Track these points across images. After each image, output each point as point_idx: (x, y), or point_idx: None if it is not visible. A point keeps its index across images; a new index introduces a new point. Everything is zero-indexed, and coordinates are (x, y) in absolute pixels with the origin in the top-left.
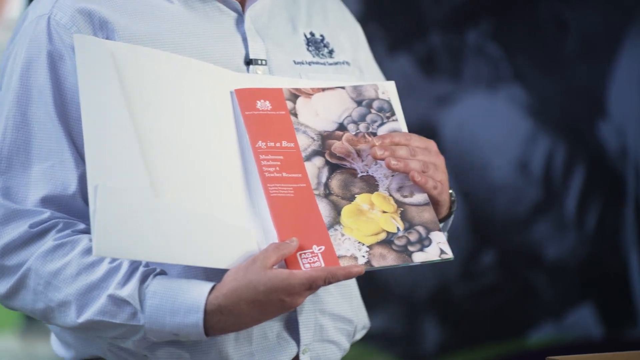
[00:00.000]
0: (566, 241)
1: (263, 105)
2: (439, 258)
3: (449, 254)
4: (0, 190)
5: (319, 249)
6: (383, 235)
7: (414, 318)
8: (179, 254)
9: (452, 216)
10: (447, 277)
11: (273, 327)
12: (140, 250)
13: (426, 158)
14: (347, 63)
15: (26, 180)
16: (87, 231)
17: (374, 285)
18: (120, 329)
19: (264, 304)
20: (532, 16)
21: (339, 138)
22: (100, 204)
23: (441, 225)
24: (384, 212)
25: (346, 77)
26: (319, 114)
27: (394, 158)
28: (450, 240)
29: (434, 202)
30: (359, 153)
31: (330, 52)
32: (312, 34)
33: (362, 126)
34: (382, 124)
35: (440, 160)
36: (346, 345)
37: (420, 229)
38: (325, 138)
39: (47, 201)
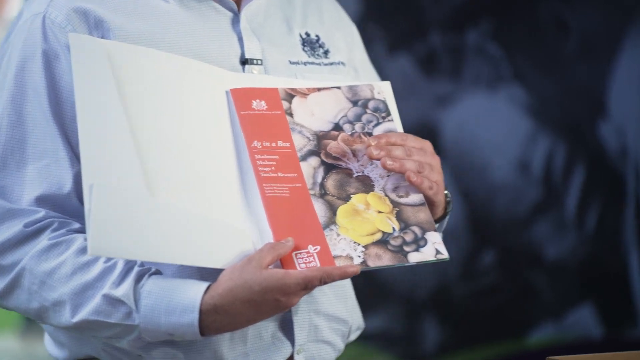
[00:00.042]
0: (566, 241)
1: (259, 105)
2: (435, 258)
3: (445, 254)
4: None
5: (315, 249)
6: (379, 236)
7: (414, 318)
8: (174, 254)
9: (448, 217)
10: (447, 277)
11: (268, 327)
12: (136, 249)
13: (422, 158)
14: (343, 63)
15: (21, 179)
16: (82, 230)
17: (374, 285)
18: (115, 329)
19: (259, 304)
20: (532, 16)
21: (335, 138)
22: (95, 203)
23: (436, 225)
24: (380, 212)
25: (341, 78)
26: (315, 114)
27: (390, 158)
28: (450, 240)
29: (429, 203)
30: (354, 153)
31: (326, 52)
32: (307, 34)
33: (357, 126)
34: (377, 124)
35: (435, 161)
36: (341, 345)
37: (416, 229)
38: (320, 138)
39: (42, 200)
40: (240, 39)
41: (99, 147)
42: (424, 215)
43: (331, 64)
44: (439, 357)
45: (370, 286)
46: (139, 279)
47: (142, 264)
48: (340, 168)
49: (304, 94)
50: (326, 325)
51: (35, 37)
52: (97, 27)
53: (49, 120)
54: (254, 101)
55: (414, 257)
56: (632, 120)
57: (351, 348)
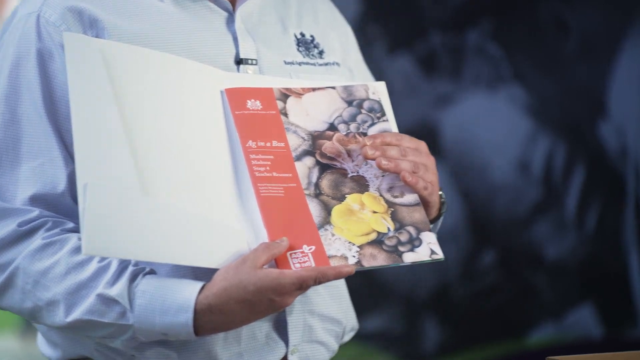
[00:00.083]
0: (566, 241)
1: (253, 104)
2: (430, 258)
3: (440, 255)
4: None
5: (309, 249)
6: (373, 236)
7: (414, 318)
8: (168, 253)
9: (442, 217)
10: (447, 277)
11: (262, 328)
12: (130, 249)
13: (417, 159)
14: (337, 64)
15: (15, 178)
16: (76, 230)
17: (374, 286)
18: (109, 329)
19: (253, 304)
20: (532, 16)
21: (330, 138)
22: (89, 202)
23: (431, 226)
24: (375, 212)
25: (336, 78)
26: (310, 114)
27: (385, 158)
28: (450, 240)
29: (424, 203)
30: (349, 153)
31: (321, 52)
32: (302, 35)
33: (352, 126)
34: (372, 124)
35: (430, 161)
36: (335, 346)
37: (411, 229)
38: (315, 138)
39: (36, 200)
40: (235, 39)
41: (93, 147)
42: (418, 215)
43: (326, 64)
44: (439, 357)
45: (370, 286)
46: (133, 278)
47: (136, 264)
48: (335, 168)
49: (299, 94)
50: (320, 326)
51: (29, 35)
52: (91, 26)
53: (43, 119)
54: (248, 101)
55: (409, 257)
56: (632, 120)
57: (351, 348)
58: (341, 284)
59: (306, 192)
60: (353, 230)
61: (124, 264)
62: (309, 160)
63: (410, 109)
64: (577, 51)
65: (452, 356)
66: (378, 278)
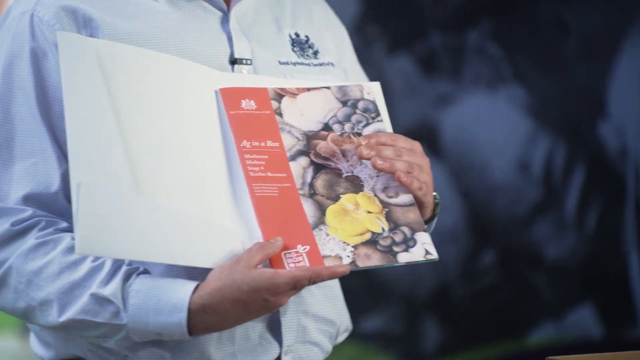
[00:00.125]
0: (566, 241)
1: (248, 104)
2: (424, 259)
3: (434, 255)
4: None
5: (304, 249)
6: (368, 236)
7: (414, 318)
8: (162, 253)
9: (436, 218)
10: (447, 277)
11: (255, 328)
12: (124, 248)
13: (411, 159)
14: (332, 64)
15: (8, 177)
16: (69, 230)
17: (374, 285)
18: (102, 328)
19: (248, 304)
20: (532, 16)
21: (324, 138)
22: (83, 202)
23: (425, 227)
24: (369, 212)
25: (331, 78)
26: (304, 114)
27: (380, 158)
28: (450, 240)
29: (418, 203)
30: (344, 153)
31: (315, 53)
32: (297, 35)
33: (347, 126)
34: (367, 124)
35: (425, 162)
36: (329, 347)
37: (405, 229)
38: (310, 138)
39: (29, 199)
40: (230, 39)
41: (87, 146)
42: (413, 215)
43: (320, 64)
44: (439, 357)
45: (370, 286)
46: (127, 278)
47: (130, 263)
48: (330, 168)
49: (294, 94)
50: (314, 327)
51: (23, 35)
52: (85, 25)
53: (37, 118)
54: (243, 101)
55: (403, 258)
56: (632, 120)
57: (351, 348)
58: (335, 285)
59: (300, 192)
60: (347, 230)
61: (117, 264)
62: (303, 160)
63: (410, 109)
64: (577, 51)
65: (452, 356)
66: (378, 278)
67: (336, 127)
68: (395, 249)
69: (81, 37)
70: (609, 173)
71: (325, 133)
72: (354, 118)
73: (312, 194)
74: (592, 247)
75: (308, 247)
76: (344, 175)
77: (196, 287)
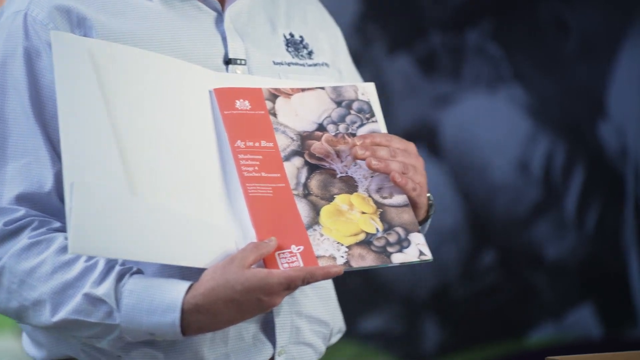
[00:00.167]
0: (566, 241)
1: (242, 104)
2: (418, 259)
3: (428, 256)
4: None
5: (298, 249)
6: (362, 236)
7: (414, 318)
8: (155, 253)
9: (430, 219)
10: (447, 277)
11: (249, 329)
12: (117, 248)
13: (406, 160)
14: (326, 64)
15: (1, 177)
16: (62, 229)
17: (374, 286)
18: (95, 328)
19: (241, 304)
20: (532, 16)
21: (319, 138)
22: (76, 201)
23: (419, 227)
24: (363, 212)
25: (325, 79)
26: (299, 114)
27: (375, 158)
28: (450, 240)
29: (412, 204)
30: (338, 154)
31: (310, 53)
32: (291, 35)
33: (341, 127)
34: (361, 125)
35: (419, 163)
36: (322, 348)
37: (400, 230)
38: (304, 138)
39: (22, 199)
40: (224, 39)
41: (81, 146)
42: (407, 216)
43: (315, 64)
44: (439, 357)
45: (370, 286)
46: (120, 278)
47: (123, 263)
48: (324, 168)
49: (288, 94)
50: (308, 327)
51: (16, 34)
52: (79, 25)
53: (30, 118)
54: (237, 101)
55: (397, 258)
56: (632, 120)
57: (351, 348)
58: (329, 286)
59: (295, 192)
60: (342, 231)
61: (111, 264)
62: (297, 161)
63: (410, 109)
64: (577, 51)
65: (452, 356)
66: (378, 278)
67: (330, 127)
68: (389, 249)
69: (75, 37)
70: (608, 173)
71: (319, 133)
72: (348, 118)
73: (307, 194)
74: (592, 247)
75: (302, 248)
76: (338, 176)
77: (189, 287)
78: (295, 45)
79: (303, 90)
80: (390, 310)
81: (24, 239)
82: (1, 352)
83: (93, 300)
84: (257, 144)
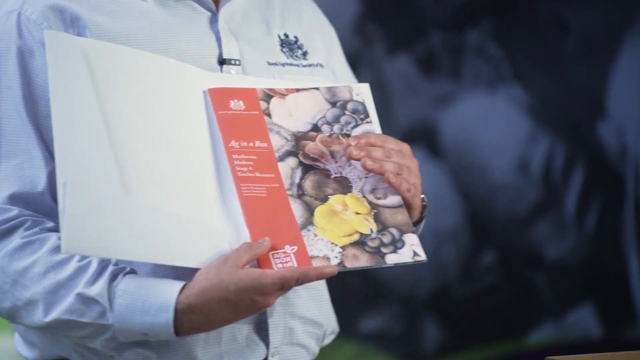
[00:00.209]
0: (566, 241)
1: (236, 105)
2: (412, 260)
3: (422, 256)
4: None
5: (292, 249)
6: (356, 237)
7: (414, 318)
8: (149, 253)
9: (424, 221)
10: (447, 277)
11: (242, 329)
12: (110, 248)
13: (400, 160)
14: (321, 65)
15: None
16: (55, 229)
17: (374, 286)
18: (88, 328)
19: (235, 304)
20: (532, 16)
21: (313, 139)
22: (69, 200)
23: (413, 228)
24: (358, 213)
25: (320, 79)
26: (293, 115)
27: (370, 158)
28: (450, 240)
29: (406, 205)
30: (332, 154)
31: (304, 53)
32: (286, 36)
33: (336, 127)
34: (356, 125)
35: (414, 164)
36: (315, 349)
37: (394, 230)
38: (299, 139)
39: (15, 199)
40: (219, 39)
41: (74, 145)
42: (401, 217)
43: (309, 65)
44: (438, 357)
45: (370, 286)
46: (113, 278)
47: (116, 263)
48: (318, 169)
49: (283, 94)
50: (301, 328)
51: (10, 33)
52: (73, 24)
53: (23, 117)
54: (231, 101)
55: (391, 259)
56: (632, 120)
57: (351, 348)
58: (322, 287)
59: (289, 192)
60: (336, 231)
61: (104, 264)
62: (292, 161)
63: (410, 109)
64: (577, 51)
65: (452, 356)
66: (378, 278)
67: (325, 128)
68: (384, 250)
69: (68, 36)
70: (608, 173)
71: (314, 134)
72: (343, 119)
73: (301, 195)
74: (592, 247)
75: (296, 248)
76: (332, 176)
77: (183, 287)
78: (289, 45)
79: (297, 90)
80: (390, 310)
81: (16, 239)
82: (1, 352)
83: (86, 300)
84: (251, 144)
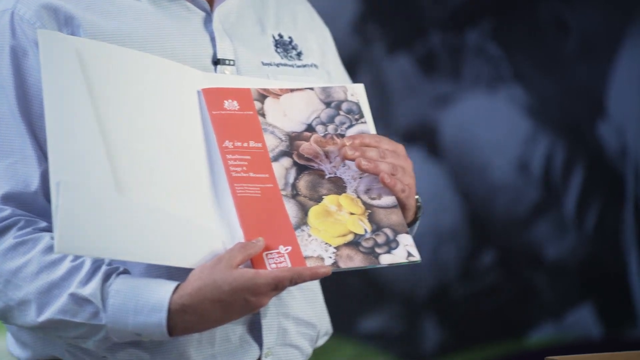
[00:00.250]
0: (566, 241)
1: (231, 105)
2: (406, 260)
3: (416, 257)
4: None
5: (286, 250)
6: (350, 237)
7: (413, 318)
8: (142, 252)
9: (418, 222)
10: (447, 277)
11: (236, 330)
12: (103, 248)
13: (395, 161)
14: (315, 66)
15: None
16: (48, 229)
17: (374, 285)
18: (81, 329)
19: (228, 304)
20: (532, 16)
21: (307, 139)
22: (62, 200)
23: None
24: (352, 213)
25: (314, 80)
26: (287, 115)
27: (365, 159)
28: (450, 240)
29: (401, 206)
30: (327, 154)
31: (299, 54)
32: (280, 36)
33: (330, 128)
34: (350, 126)
35: (408, 164)
36: (309, 350)
37: (388, 231)
38: (293, 139)
39: (8, 198)
40: (213, 39)
41: (67, 145)
42: (396, 217)
43: (304, 65)
44: (438, 357)
45: (370, 286)
46: (106, 278)
47: (110, 263)
48: (313, 169)
49: (277, 94)
50: (295, 329)
51: (3, 33)
52: (66, 24)
53: (17, 117)
54: (225, 101)
55: (386, 259)
56: (632, 120)
57: (351, 348)
58: (316, 288)
59: (283, 192)
60: (330, 232)
61: (97, 264)
62: (286, 161)
63: (410, 109)
64: (577, 51)
65: (452, 356)
66: (378, 278)
67: (319, 128)
68: (378, 250)
69: (62, 35)
70: (608, 173)
71: (308, 134)
72: (337, 119)
73: (295, 195)
74: (591, 247)
75: (290, 248)
76: (326, 177)
77: (176, 287)
78: (284, 46)
79: (292, 90)
80: (390, 310)
81: (9, 239)
82: (1, 352)
83: (79, 300)
84: (245, 144)
